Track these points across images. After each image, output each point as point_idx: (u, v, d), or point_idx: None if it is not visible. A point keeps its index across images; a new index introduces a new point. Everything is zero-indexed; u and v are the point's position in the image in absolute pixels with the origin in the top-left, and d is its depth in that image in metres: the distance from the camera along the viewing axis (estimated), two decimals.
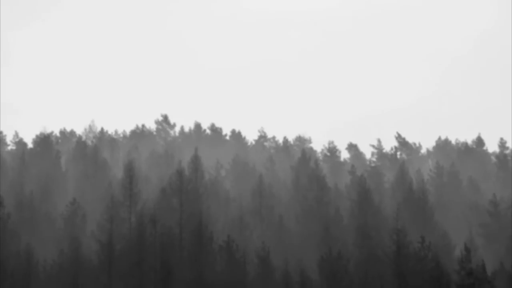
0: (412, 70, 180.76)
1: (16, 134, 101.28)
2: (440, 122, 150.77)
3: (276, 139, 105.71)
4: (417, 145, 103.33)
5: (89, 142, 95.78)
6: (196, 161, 78.30)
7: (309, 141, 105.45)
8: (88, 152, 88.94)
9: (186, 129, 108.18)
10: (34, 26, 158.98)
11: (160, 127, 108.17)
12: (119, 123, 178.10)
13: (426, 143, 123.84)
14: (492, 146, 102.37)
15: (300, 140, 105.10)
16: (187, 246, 65.12)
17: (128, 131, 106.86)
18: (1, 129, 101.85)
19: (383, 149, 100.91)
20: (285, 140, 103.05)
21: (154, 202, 70.54)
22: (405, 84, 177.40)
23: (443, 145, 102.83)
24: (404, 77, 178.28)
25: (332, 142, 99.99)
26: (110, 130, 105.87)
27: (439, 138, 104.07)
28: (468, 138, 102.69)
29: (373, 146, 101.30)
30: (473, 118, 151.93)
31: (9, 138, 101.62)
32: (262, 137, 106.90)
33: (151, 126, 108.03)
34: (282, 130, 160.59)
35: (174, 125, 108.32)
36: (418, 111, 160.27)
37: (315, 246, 67.07)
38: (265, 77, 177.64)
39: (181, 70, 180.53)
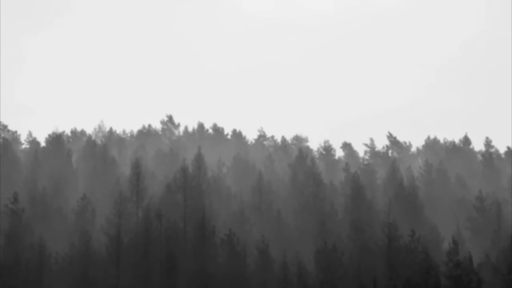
0: (403, 74, 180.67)
1: (30, 134, 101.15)
2: (429, 122, 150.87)
3: (275, 138, 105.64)
4: (408, 144, 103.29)
5: (98, 141, 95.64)
6: (199, 159, 78.22)
7: (306, 140, 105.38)
8: (97, 151, 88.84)
9: (190, 129, 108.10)
10: (46, 32, 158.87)
11: (165, 127, 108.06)
12: (126, 123, 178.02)
13: (416, 142, 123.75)
14: (478, 145, 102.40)
15: (297, 139, 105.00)
16: (191, 239, 65.11)
17: (135, 131, 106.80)
18: (16, 129, 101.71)
19: (375, 147, 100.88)
20: (283, 139, 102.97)
21: (160, 197, 70.53)
22: (396, 87, 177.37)
23: (432, 144, 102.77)
24: (395, 80, 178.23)
25: (328, 141, 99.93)
26: (118, 130, 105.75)
27: (428, 137, 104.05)
28: (456, 137, 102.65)
29: (366, 145, 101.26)
30: (460, 118, 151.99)
31: (23, 138, 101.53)
32: (262, 137, 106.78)
33: (157, 126, 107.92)
34: (281, 130, 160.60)
35: (179, 125, 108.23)
36: (409, 112, 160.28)
37: (312, 239, 67.01)
38: (265, 80, 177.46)
39: (185, 73, 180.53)
